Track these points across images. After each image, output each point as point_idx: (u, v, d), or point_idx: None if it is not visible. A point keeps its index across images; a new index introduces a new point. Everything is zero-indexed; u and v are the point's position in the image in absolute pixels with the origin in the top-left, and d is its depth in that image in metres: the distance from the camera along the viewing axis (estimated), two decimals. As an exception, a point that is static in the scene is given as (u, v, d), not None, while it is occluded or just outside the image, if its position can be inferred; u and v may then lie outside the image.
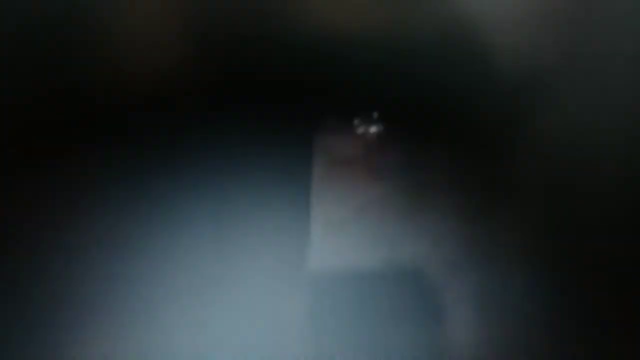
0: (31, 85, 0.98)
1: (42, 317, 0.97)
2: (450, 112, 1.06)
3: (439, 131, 1.06)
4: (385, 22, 1.03)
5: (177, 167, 1.01)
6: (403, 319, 1.05)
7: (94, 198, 1.00)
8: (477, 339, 1.05)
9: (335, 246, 1.04)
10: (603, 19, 1.07)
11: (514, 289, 1.06)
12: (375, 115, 1.03)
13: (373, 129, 1.03)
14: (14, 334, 0.97)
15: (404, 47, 1.03)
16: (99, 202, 1.01)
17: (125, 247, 1.01)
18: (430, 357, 1.03)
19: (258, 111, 1.03)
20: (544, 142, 1.07)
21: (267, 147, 1.03)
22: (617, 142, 1.07)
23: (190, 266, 1.01)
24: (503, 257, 1.07)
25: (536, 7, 1.07)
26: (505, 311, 1.06)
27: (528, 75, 1.06)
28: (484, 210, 1.07)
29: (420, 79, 1.05)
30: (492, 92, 1.06)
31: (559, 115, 1.06)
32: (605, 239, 1.08)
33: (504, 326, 1.06)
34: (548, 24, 1.07)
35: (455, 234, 1.06)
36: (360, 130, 1.03)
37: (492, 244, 1.07)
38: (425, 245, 1.05)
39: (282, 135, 1.03)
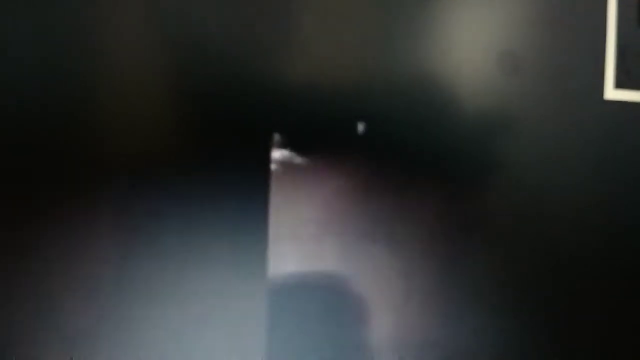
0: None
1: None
2: (422, 153, 1.07)
3: (409, 169, 1.07)
4: (354, 70, 1.05)
5: (146, 190, 1.01)
6: (360, 330, 1.06)
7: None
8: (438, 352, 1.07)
9: (293, 257, 1.04)
10: (566, 60, 1.09)
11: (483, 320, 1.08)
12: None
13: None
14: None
15: (372, 92, 1.05)
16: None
17: (98, 263, 1.00)
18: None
19: (220, 132, 1.04)
20: (511, 184, 1.09)
21: (227, 161, 1.03)
22: (585, 180, 1.10)
23: (153, 276, 1.01)
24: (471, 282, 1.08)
25: (502, 53, 1.09)
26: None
27: (495, 118, 1.08)
28: (432, 223, 1.08)
29: (390, 123, 1.06)
30: (461, 135, 1.07)
31: (526, 156, 1.08)
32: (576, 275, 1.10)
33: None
34: (515, 68, 1.09)
35: (415, 248, 1.07)
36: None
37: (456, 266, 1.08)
38: (384, 256, 1.06)
39: (241, 151, 1.04)
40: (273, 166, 1.03)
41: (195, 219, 1.02)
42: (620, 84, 1.07)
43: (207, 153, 1.02)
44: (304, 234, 1.04)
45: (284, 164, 1.03)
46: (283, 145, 1.03)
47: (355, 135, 1.04)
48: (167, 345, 1.00)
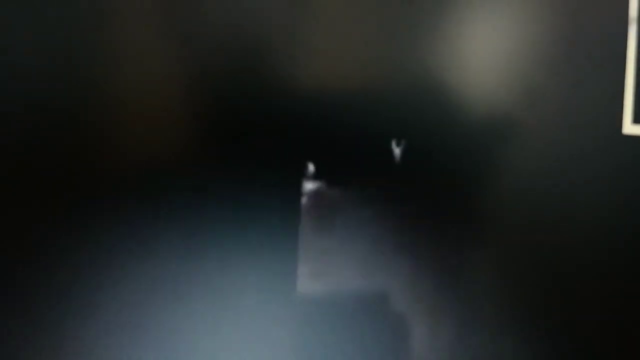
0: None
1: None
2: (425, 156, 1.09)
3: (415, 174, 1.09)
4: (364, 78, 1.08)
5: (181, 209, 1.04)
6: (383, 345, 1.08)
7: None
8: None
9: (321, 274, 1.08)
10: (569, 64, 1.11)
11: (487, 327, 1.09)
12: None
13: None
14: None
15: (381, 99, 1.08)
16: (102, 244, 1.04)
17: (134, 279, 1.04)
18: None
19: (250, 154, 1.06)
20: (512, 182, 1.11)
21: (258, 183, 1.06)
22: (601, 212, 1.11)
23: (188, 291, 1.05)
24: (478, 292, 1.10)
25: (504, 56, 1.11)
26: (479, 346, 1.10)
27: (495, 119, 1.10)
28: (460, 247, 1.10)
29: (397, 128, 1.08)
30: (464, 135, 1.10)
31: (527, 157, 1.10)
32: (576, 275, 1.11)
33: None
34: (515, 71, 1.11)
35: (431, 269, 1.09)
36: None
37: (467, 278, 1.10)
38: (407, 275, 1.08)
39: (271, 172, 1.06)
40: (304, 196, 1.06)
41: (227, 241, 1.05)
42: (638, 119, 1.09)
43: (241, 174, 1.06)
44: (333, 257, 1.07)
45: (314, 192, 1.06)
46: (315, 176, 1.06)
47: (387, 161, 1.07)
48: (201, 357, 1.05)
